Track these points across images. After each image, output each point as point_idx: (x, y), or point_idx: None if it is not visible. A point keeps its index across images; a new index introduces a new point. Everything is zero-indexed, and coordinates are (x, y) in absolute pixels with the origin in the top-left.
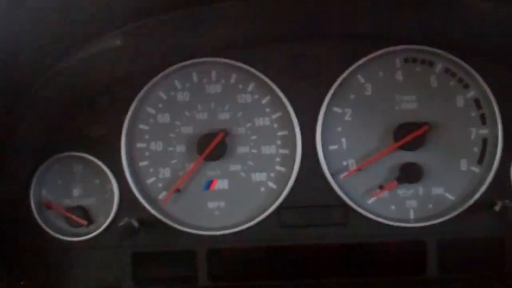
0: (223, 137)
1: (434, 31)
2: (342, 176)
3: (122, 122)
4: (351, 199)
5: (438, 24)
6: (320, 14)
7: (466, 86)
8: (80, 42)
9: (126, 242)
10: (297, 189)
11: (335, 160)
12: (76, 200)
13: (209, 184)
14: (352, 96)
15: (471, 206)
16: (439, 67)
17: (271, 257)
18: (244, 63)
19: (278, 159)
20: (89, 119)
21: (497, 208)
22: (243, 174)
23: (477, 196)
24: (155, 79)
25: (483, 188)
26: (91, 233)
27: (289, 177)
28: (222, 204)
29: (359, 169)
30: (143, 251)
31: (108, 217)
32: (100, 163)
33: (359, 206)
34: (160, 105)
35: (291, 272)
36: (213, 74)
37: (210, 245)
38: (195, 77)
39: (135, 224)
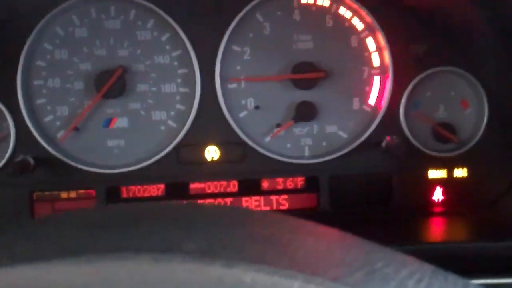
0: (121, 73)
1: None
2: (240, 115)
3: (17, 58)
4: (249, 137)
5: None
6: None
7: (359, 27)
8: None
9: (21, 179)
10: (196, 128)
11: (234, 99)
12: None
13: (108, 122)
14: (251, 35)
15: (361, 143)
16: (334, 7)
17: (169, 194)
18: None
19: (178, 98)
20: None
21: (383, 144)
22: (143, 112)
23: (367, 133)
24: (51, 14)
25: (373, 126)
26: None
27: (189, 116)
28: (122, 142)
29: (257, 108)
30: (41, 189)
31: (5, 155)
32: None
33: (257, 143)
34: (58, 41)
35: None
36: (112, 10)
37: (108, 184)
38: (93, 13)
39: (31, 161)
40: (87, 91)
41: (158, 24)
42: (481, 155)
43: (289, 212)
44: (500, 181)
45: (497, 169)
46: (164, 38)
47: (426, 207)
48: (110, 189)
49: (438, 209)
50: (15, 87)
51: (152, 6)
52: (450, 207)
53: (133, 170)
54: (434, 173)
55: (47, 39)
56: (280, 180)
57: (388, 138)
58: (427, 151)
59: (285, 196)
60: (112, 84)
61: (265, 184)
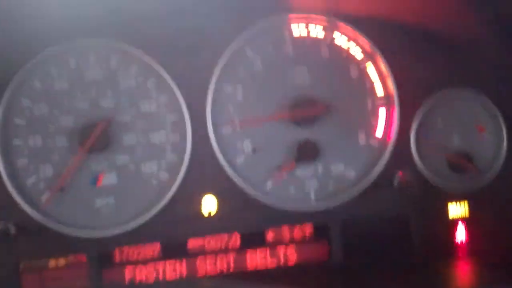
0: (105, 126)
1: None
2: (237, 160)
3: None
4: (248, 184)
5: None
6: None
7: (359, 56)
8: None
9: (3, 249)
10: (190, 178)
11: (229, 144)
12: None
13: (95, 179)
14: (241, 72)
15: (372, 182)
16: (329, 38)
17: (166, 255)
18: (125, 44)
19: (168, 147)
20: None
21: (396, 181)
22: (131, 165)
23: (377, 170)
24: (28, 66)
25: (382, 161)
26: None
27: (181, 166)
28: (111, 200)
29: (254, 151)
30: (27, 258)
31: None
32: None
33: (258, 191)
34: (36, 96)
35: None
36: (92, 58)
37: (100, 248)
38: (72, 63)
39: (12, 228)
40: (71, 147)
41: (141, 69)
42: (505, 184)
43: (298, 268)
44: None
45: None
46: (149, 83)
47: (449, 250)
48: (101, 253)
49: (463, 252)
50: None
51: (133, 50)
52: (476, 251)
53: (126, 230)
54: (455, 209)
55: (25, 94)
56: (286, 229)
57: (400, 173)
58: (445, 184)
59: (293, 249)
60: (97, 137)
61: (270, 236)
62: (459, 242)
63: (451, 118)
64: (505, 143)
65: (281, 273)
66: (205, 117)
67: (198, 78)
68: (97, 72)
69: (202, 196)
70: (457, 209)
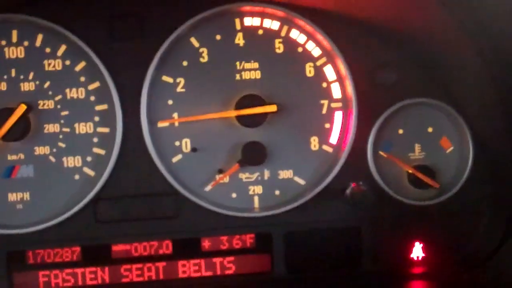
0: (25, 112)
1: None
2: (174, 159)
3: None
4: (183, 186)
5: None
6: None
7: (316, 53)
8: None
9: None
10: (118, 176)
11: (166, 140)
12: None
13: (9, 171)
14: (184, 63)
15: (322, 191)
16: (284, 30)
17: (87, 259)
18: (53, 21)
19: (95, 140)
20: None
21: (348, 192)
22: (52, 158)
23: (329, 179)
24: None
25: (335, 170)
26: None
27: (108, 162)
28: (27, 195)
29: (194, 150)
30: None
31: None
32: None
33: (194, 194)
34: None
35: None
36: (14, 35)
37: (10, 248)
38: None
39: None
40: None
41: (70, 51)
42: (466, 203)
43: (237, 277)
44: (489, 234)
45: (485, 219)
46: (78, 68)
47: (403, 268)
48: (12, 253)
49: (418, 270)
50: None
51: (62, 29)
52: (432, 267)
53: (41, 230)
54: (412, 226)
55: None
56: (224, 238)
57: (353, 184)
58: (402, 199)
59: (231, 258)
60: (13, 124)
61: (206, 244)
62: (414, 258)
63: (414, 130)
64: (470, 160)
65: (217, 283)
66: (139, 109)
67: (134, 65)
68: (19, 49)
69: (130, 197)
70: (415, 225)
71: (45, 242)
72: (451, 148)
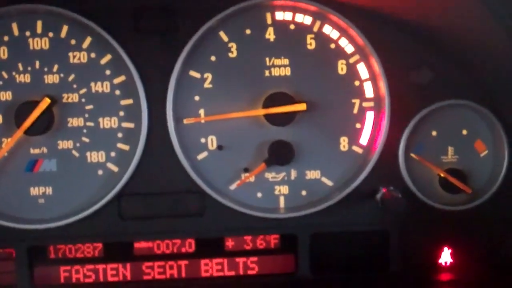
0: (49, 105)
1: None
2: (199, 157)
3: None
4: (208, 184)
5: None
6: None
7: (349, 50)
8: None
9: None
10: (142, 172)
11: (191, 137)
12: None
13: (32, 164)
14: (213, 58)
15: (350, 193)
16: (317, 26)
17: (109, 255)
18: (78, 12)
19: (120, 135)
20: None
21: (378, 197)
22: (75, 153)
23: (358, 181)
24: None
25: (365, 172)
26: None
27: (133, 158)
28: (49, 190)
29: (220, 148)
30: None
31: None
32: None
33: (219, 193)
34: None
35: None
36: (39, 26)
37: (31, 243)
38: (15, 28)
39: None
40: (7, 126)
41: (96, 43)
42: (498, 210)
43: (260, 278)
44: None
45: None
46: (103, 61)
47: (431, 273)
48: (33, 248)
49: (445, 277)
50: None
51: (89, 21)
52: (460, 274)
53: (63, 225)
54: (442, 231)
55: None
56: (248, 238)
57: (384, 189)
58: (433, 204)
59: (255, 258)
60: (37, 117)
61: (230, 244)
62: (442, 263)
63: (448, 132)
64: (505, 164)
65: (240, 283)
66: (165, 105)
67: (160, 59)
68: (43, 41)
69: (154, 194)
70: (445, 231)
71: (67, 237)
72: (486, 152)
